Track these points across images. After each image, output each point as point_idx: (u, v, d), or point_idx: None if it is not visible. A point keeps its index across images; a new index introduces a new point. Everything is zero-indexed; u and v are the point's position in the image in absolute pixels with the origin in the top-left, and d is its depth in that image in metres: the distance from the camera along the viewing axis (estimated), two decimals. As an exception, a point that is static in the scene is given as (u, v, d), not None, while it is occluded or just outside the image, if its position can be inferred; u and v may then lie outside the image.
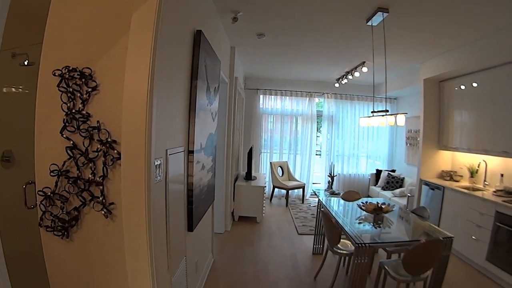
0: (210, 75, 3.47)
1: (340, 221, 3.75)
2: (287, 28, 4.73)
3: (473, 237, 4.79)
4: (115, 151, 1.97)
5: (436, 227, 3.68)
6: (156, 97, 1.98)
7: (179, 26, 2.53)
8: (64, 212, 2.03)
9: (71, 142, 1.99)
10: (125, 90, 1.93)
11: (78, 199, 2.02)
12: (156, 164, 2.07)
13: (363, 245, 3.05)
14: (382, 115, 4.61)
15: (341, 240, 3.87)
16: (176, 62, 2.47)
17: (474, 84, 5.63)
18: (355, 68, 7.04)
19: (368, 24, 4.28)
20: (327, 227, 3.90)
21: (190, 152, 2.85)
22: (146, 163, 1.92)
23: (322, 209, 4.28)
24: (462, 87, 5.94)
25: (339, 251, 3.85)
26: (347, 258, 4.32)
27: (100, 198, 2.00)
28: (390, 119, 4.53)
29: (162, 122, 2.21)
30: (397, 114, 4.47)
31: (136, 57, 1.93)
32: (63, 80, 1.98)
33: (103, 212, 2.00)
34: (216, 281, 4.04)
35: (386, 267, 3.35)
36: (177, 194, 2.59)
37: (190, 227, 2.98)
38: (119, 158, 1.96)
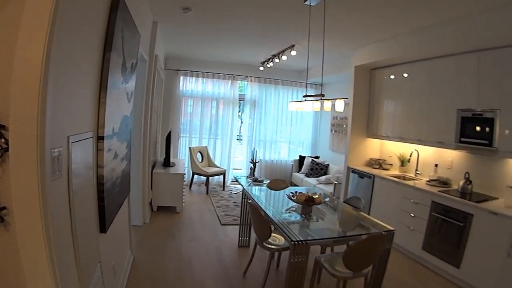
0: (128, 48, 2.96)
1: (270, 214, 3.49)
2: (215, 2, 4.34)
3: (410, 228, 4.86)
4: (3, 140, 1.46)
5: (376, 219, 3.57)
6: (54, 68, 1.50)
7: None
8: None
9: None
10: (16, 59, 1.43)
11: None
12: (53, 155, 1.59)
13: (300, 242, 2.79)
14: (317, 100, 4.40)
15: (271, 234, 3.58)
16: (86, 27, 1.97)
17: (405, 75, 5.74)
18: (283, 51, 6.82)
19: (306, 3, 4.02)
20: (256, 221, 3.62)
21: (100, 139, 2.33)
22: (39, 154, 1.45)
23: (249, 201, 3.99)
24: (392, 76, 6.04)
25: (270, 246, 3.58)
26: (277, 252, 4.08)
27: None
28: (327, 104, 4.33)
29: (63, 102, 1.71)
30: (336, 99, 4.27)
31: (30, 15, 1.44)
32: None
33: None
34: (137, 283, 3.59)
35: (323, 263, 3.15)
36: (85, 191, 2.11)
37: (103, 228, 2.50)
38: (8, 149, 1.46)
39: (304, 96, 4.69)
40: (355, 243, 2.83)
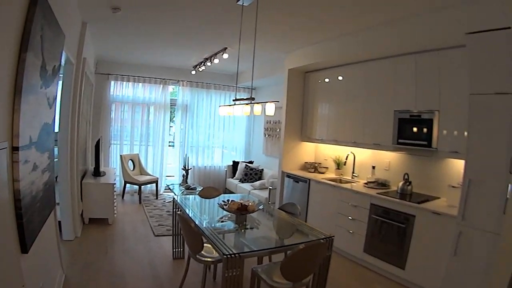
0: (48, 49, 2.70)
1: (201, 226, 3.34)
2: (145, 2, 4.15)
3: (350, 231, 4.87)
4: None
5: (313, 226, 3.52)
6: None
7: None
8: None
9: None
10: None
11: None
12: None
13: (233, 256, 2.63)
14: (247, 103, 4.30)
15: (205, 245, 3.29)
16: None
17: (340, 78, 5.77)
18: (215, 55, 6.71)
19: (238, 3, 3.91)
20: (187, 233, 3.40)
21: (15, 149, 2.07)
22: None
23: (179, 212, 3.85)
24: (327, 79, 6.09)
25: (203, 258, 3.37)
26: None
27: None
28: (257, 108, 4.24)
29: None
30: (266, 102, 4.22)
31: None
32: None
33: None
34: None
35: (261, 275, 3.02)
36: (-2, 208, 1.87)
37: (24, 247, 2.22)
38: None
39: (234, 100, 4.59)
40: (292, 253, 2.72)
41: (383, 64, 4.96)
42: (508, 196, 2.34)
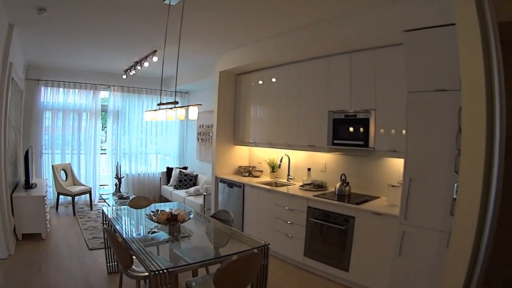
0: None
1: (129, 239, 3.26)
2: (71, 3, 4.07)
3: (289, 235, 4.87)
4: None
5: (249, 234, 3.54)
6: None
7: None
8: None
9: None
10: None
11: None
12: None
13: (161, 272, 2.53)
14: (171, 108, 4.20)
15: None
16: None
17: (273, 79, 5.79)
18: (146, 58, 6.68)
19: (165, 2, 3.79)
20: (115, 248, 3.34)
21: None
22: None
23: (105, 227, 3.85)
24: (260, 82, 6.09)
25: (135, 274, 3.23)
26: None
27: None
28: (180, 112, 4.11)
29: None
30: (189, 106, 4.13)
31: None
32: None
33: None
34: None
35: (195, 288, 3.03)
36: None
37: None
38: None
39: (158, 105, 4.47)
40: (224, 266, 2.62)
41: (318, 64, 4.97)
42: (454, 197, 2.36)
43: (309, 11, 4.16)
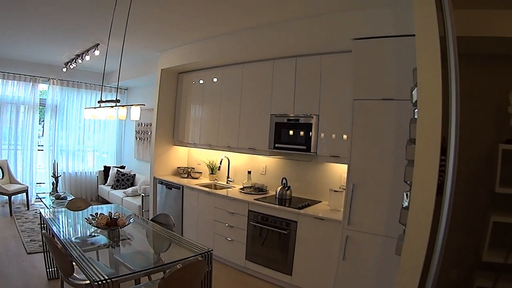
0: None
1: (69, 245, 3.04)
2: None
3: (228, 239, 4.80)
4: None
5: (189, 239, 3.45)
6: None
7: None
8: None
9: None
10: None
11: None
12: None
13: (104, 282, 2.40)
14: (112, 106, 3.93)
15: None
16: None
17: (215, 79, 5.67)
18: (87, 51, 6.31)
19: None
20: (55, 255, 3.12)
21: None
22: None
23: (43, 232, 3.61)
24: (201, 81, 5.96)
25: (77, 282, 2.97)
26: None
27: None
28: (122, 112, 3.84)
29: None
30: (132, 105, 3.92)
31: None
32: None
33: None
34: None
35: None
36: None
37: None
38: None
39: (98, 102, 4.23)
40: (169, 274, 2.54)
41: (262, 66, 4.91)
42: (404, 205, 2.39)
43: (256, 12, 4.11)
